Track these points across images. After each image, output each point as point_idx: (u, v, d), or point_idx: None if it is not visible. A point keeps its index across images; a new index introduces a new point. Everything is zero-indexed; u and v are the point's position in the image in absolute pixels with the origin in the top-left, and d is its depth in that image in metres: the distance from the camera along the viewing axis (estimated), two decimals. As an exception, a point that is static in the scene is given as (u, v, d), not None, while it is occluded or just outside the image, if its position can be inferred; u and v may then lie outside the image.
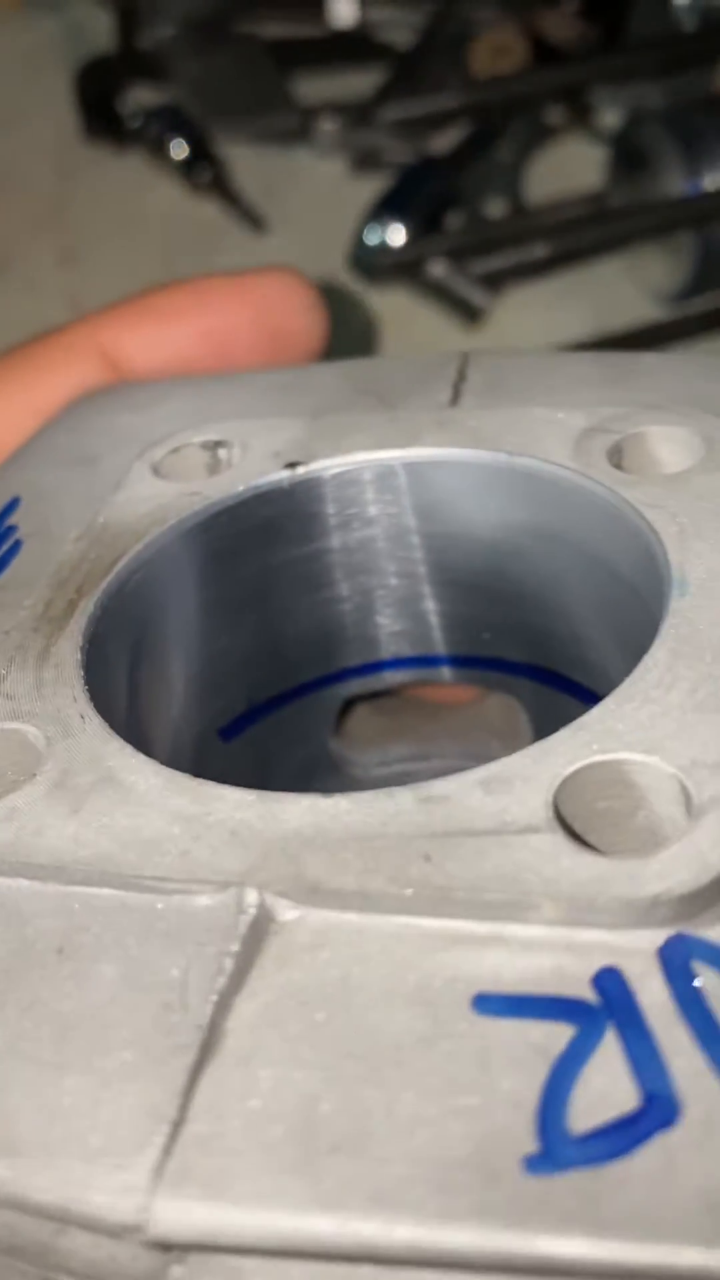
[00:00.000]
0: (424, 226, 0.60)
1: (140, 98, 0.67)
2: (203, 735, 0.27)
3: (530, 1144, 0.14)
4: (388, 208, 0.60)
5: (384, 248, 0.60)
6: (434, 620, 0.30)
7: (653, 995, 0.15)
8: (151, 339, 0.30)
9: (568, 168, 0.65)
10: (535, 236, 0.59)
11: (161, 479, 0.25)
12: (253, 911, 0.16)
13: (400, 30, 0.70)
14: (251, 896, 0.17)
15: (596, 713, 0.18)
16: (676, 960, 0.15)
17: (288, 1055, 0.15)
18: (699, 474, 0.22)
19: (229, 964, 0.16)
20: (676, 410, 0.24)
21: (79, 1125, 0.15)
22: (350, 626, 0.29)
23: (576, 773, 0.17)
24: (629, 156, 0.58)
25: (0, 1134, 0.15)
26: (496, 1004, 0.15)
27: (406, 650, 0.30)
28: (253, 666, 0.29)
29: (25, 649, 0.21)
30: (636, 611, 0.23)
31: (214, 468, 0.26)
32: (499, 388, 0.26)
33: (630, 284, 0.60)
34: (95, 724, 0.20)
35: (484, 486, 0.25)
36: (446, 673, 0.31)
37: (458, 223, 0.61)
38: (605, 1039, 0.14)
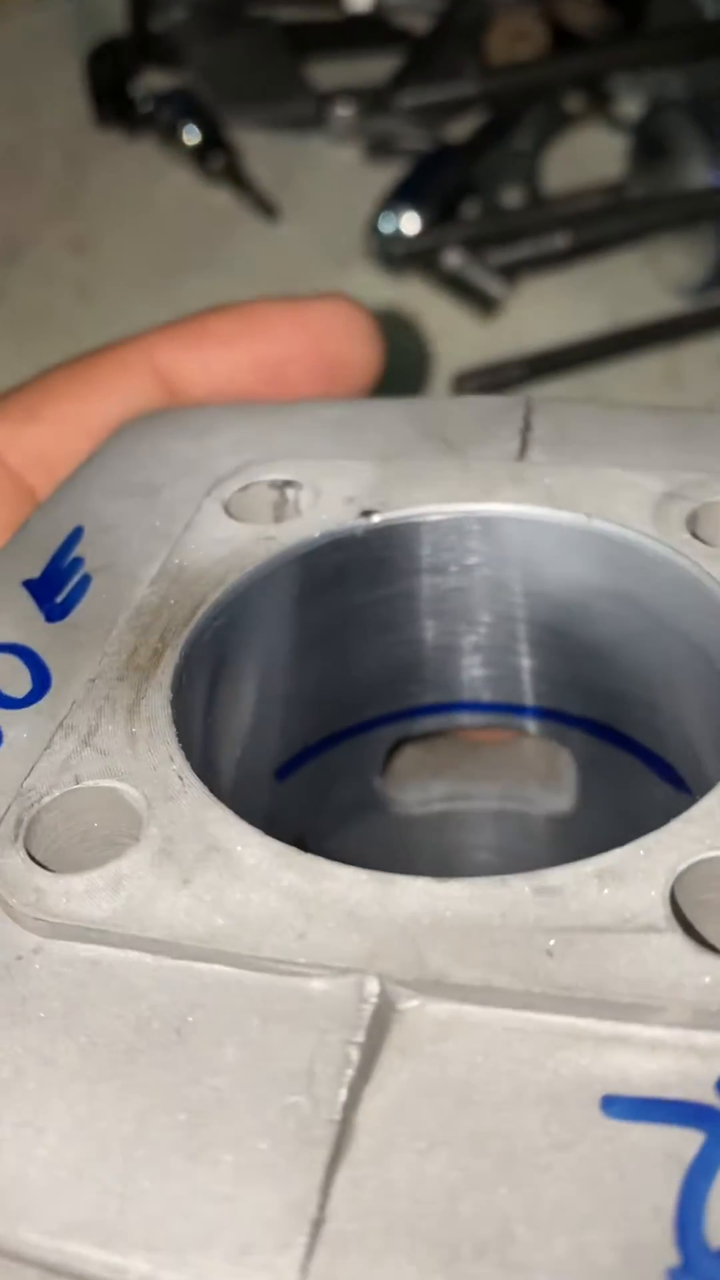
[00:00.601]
0: (439, 215, 0.59)
1: (152, 82, 0.66)
2: (261, 774, 0.27)
3: (671, 1256, 0.14)
4: (403, 196, 0.59)
5: (398, 236, 0.59)
6: (520, 673, 0.30)
7: None
8: (206, 362, 0.30)
9: (586, 157, 0.64)
10: (553, 226, 0.58)
11: (233, 519, 0.25)
12: (374, 1000, 0.16)
13: (416, 15, 0.69)
14: (373, 985, 0.16)
15: (704, 806, 0.18)
16: None
17: (421, 1153, 0.15)
18: None
19: (355, 1054, 0.16)
20: None
21: (218, 1220, 0.14)
22: (411, 669, 0.29)
23: (690, 868, 0.17)
24: (650, 146, 0.57)
25: (134, 1226, 0.14)
26: (625, 1107, 0.15)
27: (467, 695, 0.30)
28: (316, 707, 0.28)
29: (114, 700, 0.21)
30: (713, 683, 0.23)
31: (280, 506, 0.26)
32: (566, 441, 0.26)
33: (649, 276, 0.59)
34: (195, 786, 0.19)
35: (563, 546, 0.25)
36: (516, 721, 0.31)
37: (473, 212, 0.60)
38: None
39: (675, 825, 0.18)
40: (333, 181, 0.64)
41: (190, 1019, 0.17)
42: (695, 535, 0.24)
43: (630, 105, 0.64)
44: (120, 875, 0.18)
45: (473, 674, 0.30)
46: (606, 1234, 0.14)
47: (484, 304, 0.58)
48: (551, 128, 0.64)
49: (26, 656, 0.22)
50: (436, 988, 0.16)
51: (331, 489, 0.25)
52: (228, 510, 0.25)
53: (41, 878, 0.18)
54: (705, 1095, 0.15)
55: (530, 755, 0.33)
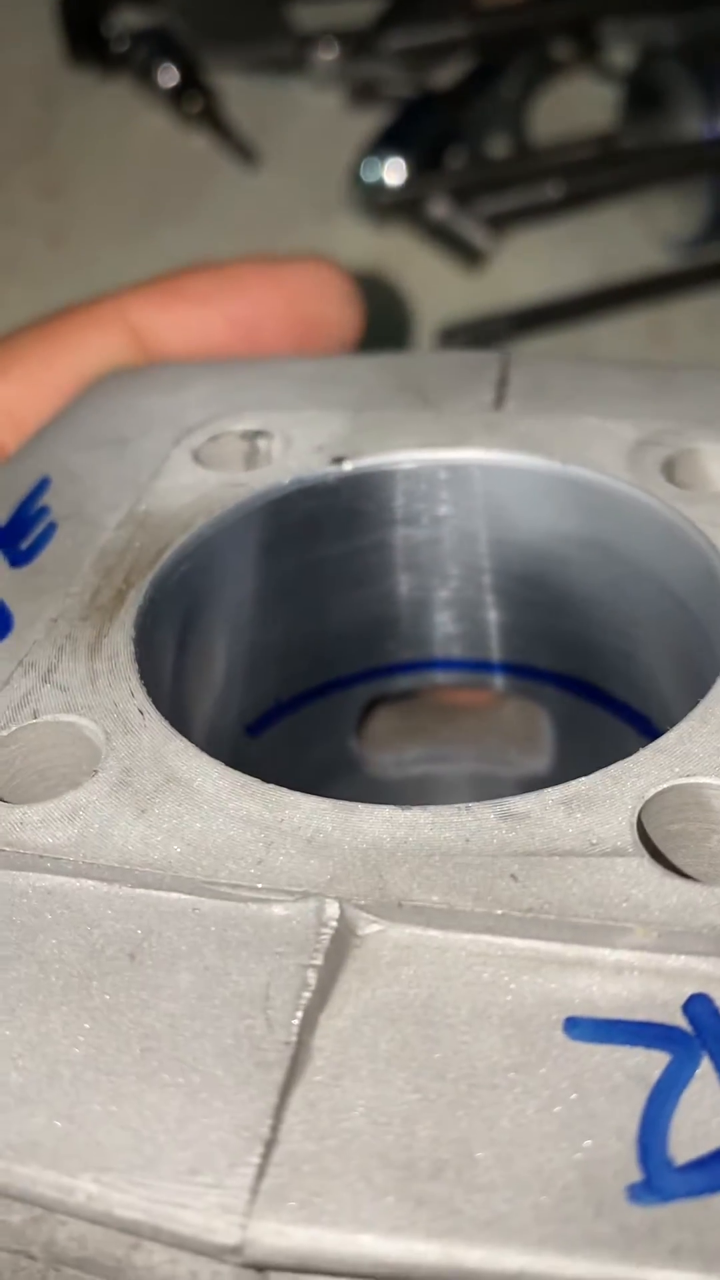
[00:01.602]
0: (424, 164, 0.57)
1: (127, 20, 0.64)
2: (232, 730, 0.27)
3: (633, 1173, 0.14)
4: (386, 143, 0.58)
5: (382, 185, 0.57)
6: (488, 626, 0.29)
7: None
8: (181, 320, 0.30)
9: (574, 106, 0.62)
10: (540, 177, 0.56)
11: (202, 467, 0.25)
12: (334, 924, 0.16)
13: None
14: (332, 909, 0.16)
15: (674, 736, 0.18)
16: None
17: (379, 1075, 0.15)
18: None
19: (312, 978, 0.16)
20: None
21: (168, 1142, 0.14)
22: (387, 625, 0.29)
23: (657, 795, 0.17)
24: (642, 96, 0.56)
25: (82, 1147, 0.14)
26: (588, 1028, 0.15)
27: (442, 652, 0.30)
28: (287, 662, 0.28)
29: (75, 639, 0.21)
30: (688, 629, 0.23)
31: (252, 457, 0.25)
32: (542, 393, 0.26)
33: (639, 230, 0.58)
34: (155, 720, 0.19)
35: (537, 492, 0.25)
36: (490, 678, 0.30)
37: (459, 161, 0.59)
38: (701, 1068, 0.14)
39: (644, 754, 0.18)
40: (314, 127, 0.63)
41: (145, 945, 0.16)
42: (671, 481, 0.23)
43: (620, 54, 0.63)
44: (76, 805, 0.18)
45: (446, 630, 0.30)
46: (567, 1153, 0.14)
47: (469, 255, 0.57)
48: (539, 76, 0.63)
49: None
50: (398, 911, 0.16)
51: (302, 438, 0.25)
52: (197, 458, 0.25)
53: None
54: (672, 1018, 0.15)
55: (506, 718, 0.33)
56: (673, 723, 0.26)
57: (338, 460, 0.25)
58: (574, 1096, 0.14)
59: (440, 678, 0.31)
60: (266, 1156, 0.14)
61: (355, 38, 0.61)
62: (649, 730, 0.28)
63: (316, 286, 0.30)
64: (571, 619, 0.27)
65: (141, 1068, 0.15)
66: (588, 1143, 0.14)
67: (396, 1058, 0.15)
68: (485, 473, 0.25)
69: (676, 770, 0.17)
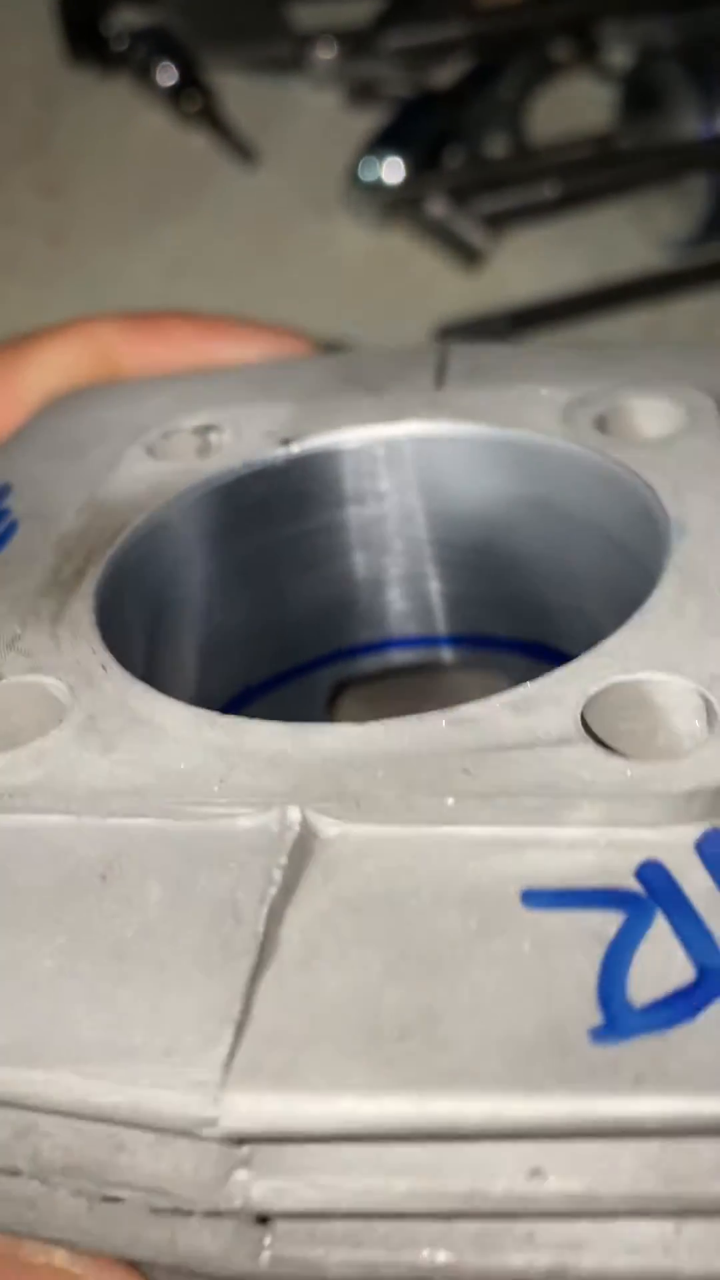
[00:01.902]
0: (422, 163, 0.58)
1: (126, 19, 0.64)
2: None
3: (595, 1018, 0.14)
4: (385, 143, 0.58)
5: (380, 184, 0.57)
6: (433, 599, 0.30)
7: (695, 884, 0.15)
8: (151, 357, 0.30)
9: (572, 106, 0.63)
10: (538, 177, 0.57)
11: (155, 459, 0.25)
12: (296, 828, 0.17)
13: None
14: (294, 814, 0.17)
15: (614, 640, 0.19)
16: (714, 851, 0.16)
17: (345, 956, 0.15)
18: (684, 437, 0.24)
19: (277, 876, 0.16)
20: (657, 383, 0.25)
21: (142, 1030, 0.15)
22: (344, 607, 0.30)
23: (601, 692, 0.18)
24: (640, 96, 0.56)
25: (60, 1045, 0.15)
26: (545, 898, 0.16)
27: (397, 630, 0.30)
28: (252, 646, 0.29)
29: (38, 612, 0.22)
30: (632, 575, 0.24)
31: (204, 450, 0.26)
32: (482, 373, 0.27)
33: (636, 230, 0.58)
34: (117, 671, 0.20)
35: (476, 459, 0.26)
36: (446, 652, 0.31)
37: (457, 160, 0.59)
38: (655, 923, 0.15)
39: (585, 658, 0.19)
40: (313, 126, 0.63)
41: (115, 867, 0.17)
42: (603, 432, 0.24)
43: (618, 54, 0.63)
44: (43, 750, 0.19)
45: (399, 607, 0.30)
46: (530, 1009, 0.14)
47: (467, 255, 0.57)
48: (538, 76, 0.63)
49: None
50: (356, 811, 0.17)
51: (251, 427, 0.26)
52: (150, 452, 0.26)
53: None
54: (625, 882, 0.16)
55: (462, 688, 0.32)
56: None
57: (285, 442, 0.25)
58: (534, 960, 0.15)
59: (397, 657, 0.31)
60: (238, 1035, 0.15)
61: (354, 37, 0.61)
62: None
63: (282, 352, 0.31)
64: (520, 582, 0.28)
65: (114, 970, 0.16)
66: (550, 999, 0.14)
67: (361, 940, 0.16)
68: (424, 445, 0.26)
69: (618, 669, 0.18)
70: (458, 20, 0.58)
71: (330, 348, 0.33)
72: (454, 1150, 0.14)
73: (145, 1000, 0.15)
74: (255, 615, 0.28)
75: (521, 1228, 0.15)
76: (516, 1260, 0.15)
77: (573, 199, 0.57)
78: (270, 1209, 0.15)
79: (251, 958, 0.15)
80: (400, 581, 0.30)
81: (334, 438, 0.26)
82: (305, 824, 0.17)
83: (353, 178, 0.58)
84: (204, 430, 0.26)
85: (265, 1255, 0.15)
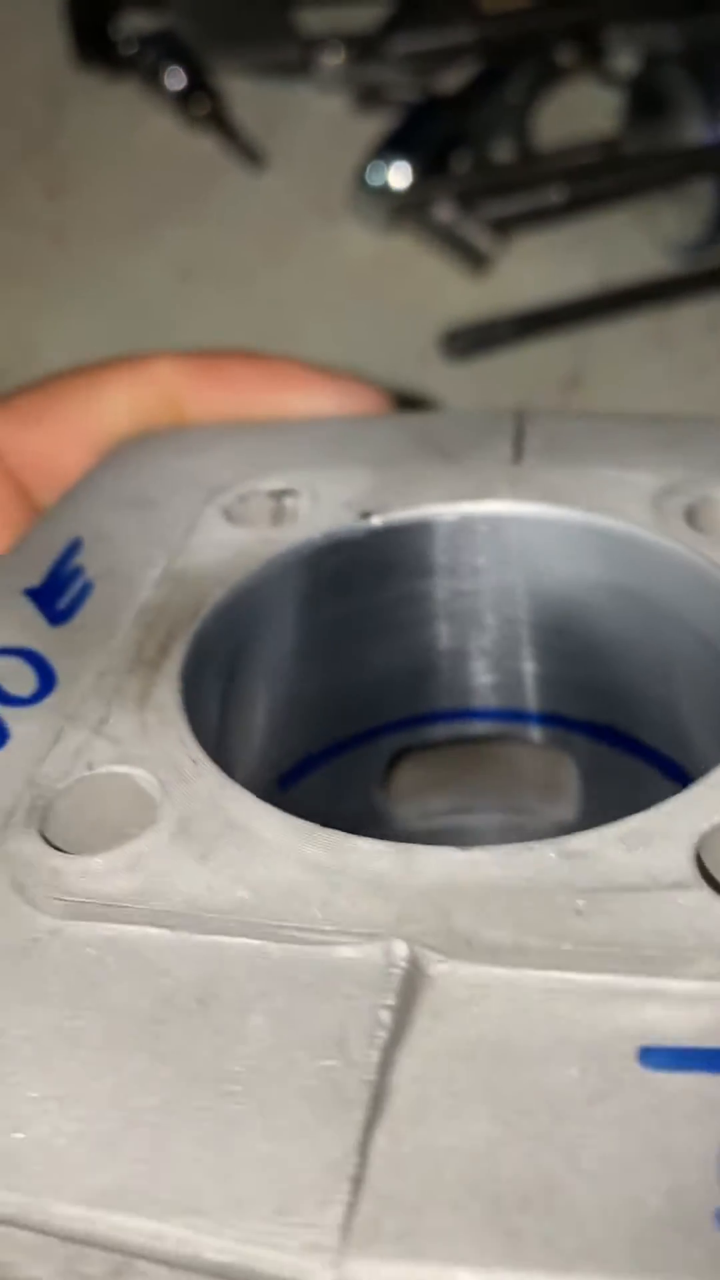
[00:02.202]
0: (429, 168, 0.58)
1: (135, 23, 0.64)
2: (266, 783, 0.27)
3: (718, 1197, 0.14)
4: (392, 147, 0.58)
5: (387, 189, 0.57)
6: (504, 675, 0.30)
7: None
8: (212, 399, 0.30)
9: (578, 111, 0.63)
10: (545, 181, 0.57)
11: (233, 525, 0.25)
12: (403, 964, 0.16)
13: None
14: (401, 949, 0.16)
15: None
16: None
17: (459, 1110, 0.15)
18: None
19: (386, 1017, 0.16)
20: None
21: (255, 1183, 0.14)
22: (411, 676, 0.29)
23: (713, 829, 0.18)
24: (645, 101, 0.56)
25: (169, 1192, 0.14)
26: (663, 1057, 0.15)
27: (472, 703, 0.30)
28: (317, 714, 0.28)
29: (123, 692, 0.21)
30: (709, 666, 0.24)
31: (278, 515, 0.26)
32: (560, 447, 0.27)
33: (641, 235, 0.58)
34: (209, 768, 0.19)
35: (563, 543, 0.25)
36: (509, 727, 0.31)
37: (463, 165, 0.59)
38: None
39: (697, 789, 0.18)
40: (320, 131, 0.63)
41: (215, 990, 0.16)
42: (693, 527, 0.24)
43: (624, 60, 0.63)
44: (138, 854, 0.18)
45: (478, 680, 0.30)
46: (652, 1179, 0.14)
47: (474, 259, 0.57)
48: (544, 81, 0.63)
49: (31, 658, 0.22)
50: (466, 949, 0.16)
51: (329, 495, 0.25)
52: (228, 516, 0.25)
53: (57, 859, 0.18)
54: None
55: (530, 765, 0.33)
56: (704, 767, 0.27)
57: (366, 515, 0.25)
58: (654, 1125, 0.14)
59: (462, 728, 0.31)
60: (355, 1194, 0.14)
61: (361, 42, 0.61)
62: (680, 775, 0.28)
63: (353, 407, 0.31)
64: (598, 666, 0.28)
65: (222, 1111, 0.15)
66: (671, 1169, 0.14)
67: (475, 1093, 0.15)
68: (512, 524, 0.26)
69: None
70: (464, 25, 0.58)
71: (401, 398, 0.32)
72: None
73: (257, 1147, 0.15)
74: (324, 683, 0.28)
75: None
76: None
77: (579, 204, 0.57)
78: None
79: (365, 1107, 0.15)
80: (483, 655, 0.30)
81: (414, 513, 0.25)
82: (412, 960, 0.16)
83: (360, 182, 0.58)
84: (280, 495, 0.26)
85: None
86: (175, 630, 0.23)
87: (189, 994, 0.16)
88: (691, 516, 0.24)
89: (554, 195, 0.56)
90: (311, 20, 0.64)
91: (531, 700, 0.30)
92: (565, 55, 0.64)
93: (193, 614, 0.23)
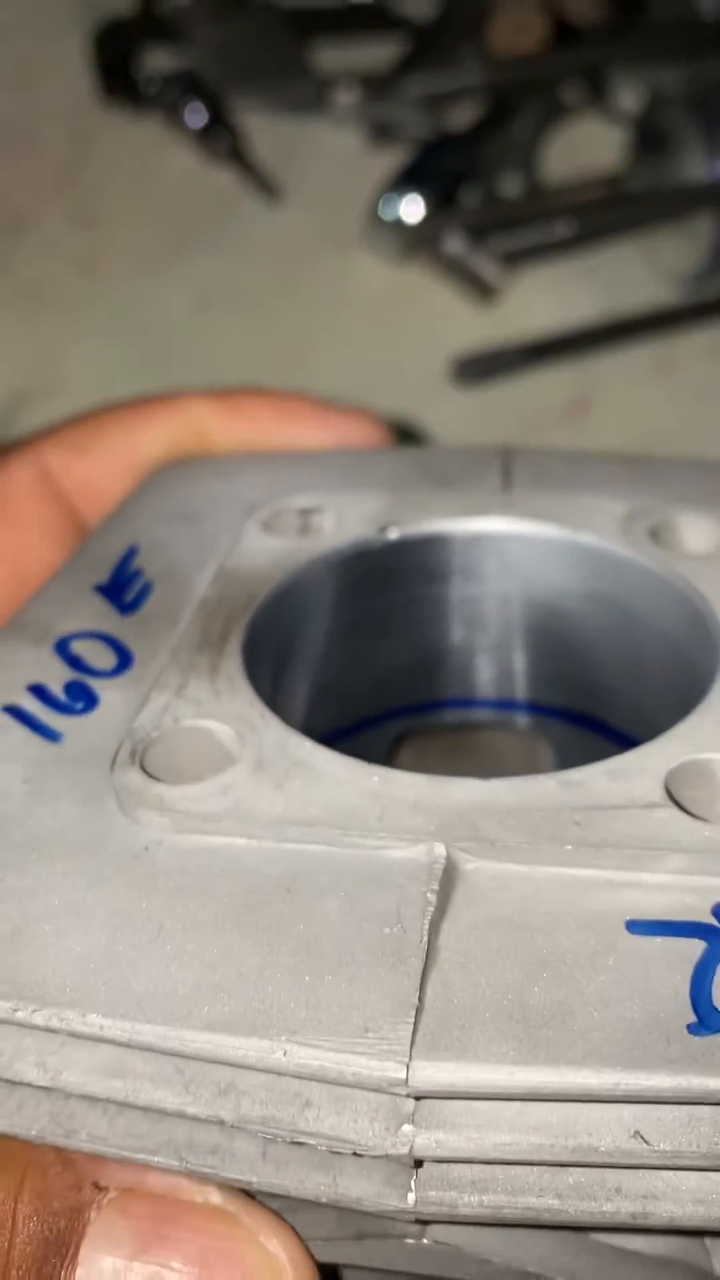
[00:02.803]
0: (440, 201, 0.60)
1: (157, 62, 0.66)
2: None
3: (689, 1015, 0.18)
4: (404, 182, 0.60)
5: (399, 222, 0.60)
6: (493, 670, 0.34)
7: None
8: (237, 435, 0.34)
9: (583, 147, 0.65)
10: (552, 216, 0.59)
11: (270, 534, 0.30)
12: (443, 860, 0.21)
13: (418, 2, 0.69)
14: (440, 849, 0.21)
15: (683, 727, 0.23)
16: None
17: (492, 962, 0.19)
18: None
19: (432, 898, 0.20)
20: (698, 503, 0.30)
21: (341, 1012, 0.19)
22: (411, 669, 0.34)
23: (678, 767, 0.22)
24: (649, 139, 0.59)
25: (274, 1020, 0.18)
26: (645, 926, 0.20)
27: (466, 693, 0.35)
28: (342, 697, 0.33)
29: (196, 666, 0.25)
30: (673, 664, 0.28)
31: (306, 529, 0.30)
32: (542, 479, 0.31)
33: (644, 267, 0.61)
34: (275, 722, 0.24)
35: (548, 557, 0.30)
36: (494, 714, 0.35)
37: (473, 199, 0.61)
38: None
39: (663, 739, 0.23)
40: (334, 165, 0.65)
41: (296, 883, 0.21)
42: (656, 544, 0.29)
43: (628, 99, 0.65)
44: (225, 785, 0.22)
45: (475, 673, 0.34)
46: (640, 1006, 0.19)
47: (483, 290, 0.59)
48: (550, 119, 0.65)
49: (108, 640, 0.26)
50: (491, 850, 0.21)
51: (350, 513, 0.30)
52: (265, 528, 0.30)
53: (161, 787, 0.22)
54: (704, 918, 0.20)
55: (510, 750, 0.37)
56: None
57: (384, 529, 0.30)
58: (639, 971, 0.19)
59: (456, 715, 0.35)
60: (418, 1018, 0.18)
61: (374, 81, 0.64)
62: None
63: (360, 435, 0.34)
64: (577, 662, 0.32)
65: (311, 964, 0.19)
66: (653, 1000, 0.19)
67: (504, 951, 0.19)
68: (505, 540, 0.30)
69: (690, 749, 0.23)
70: (475, 67, 0.61)
71: (399, 429, 0.36)
72: (574, 1115, 0.18)
73: (340, 988, 0.19)
74: (347, 670, 0.32)
75: (611, 1181, 0.19)
76: (607, 1207, 0.19)
77: (584, 237, 0.59)
78: (427, 1156, 0.19)
79: (419, 960, 0.19)
80: (481, 651, 0.34)
81: (424, 528, 0.30)
82: (449, 858, 0.21)
83: (373, 215, 0.60)
84: (308, 512, 0.31)
85: (410, 1196, 0.19)
86: (233, 617, 0.27)
87: (276, 885, 0.21)
88: (655, 536, 0.29)
89: (560, 229, 0.58)
90: (327, 60, 0.66)
91: (519, 690, 0.34)
92: (572, 95, 0.66)
93: (246, 605, 0.27)
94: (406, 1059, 0.18)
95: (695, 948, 0.19)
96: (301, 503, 0.30)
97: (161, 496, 0.32)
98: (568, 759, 0.35)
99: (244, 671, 0.25)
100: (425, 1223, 0.20)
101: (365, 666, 0.33)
